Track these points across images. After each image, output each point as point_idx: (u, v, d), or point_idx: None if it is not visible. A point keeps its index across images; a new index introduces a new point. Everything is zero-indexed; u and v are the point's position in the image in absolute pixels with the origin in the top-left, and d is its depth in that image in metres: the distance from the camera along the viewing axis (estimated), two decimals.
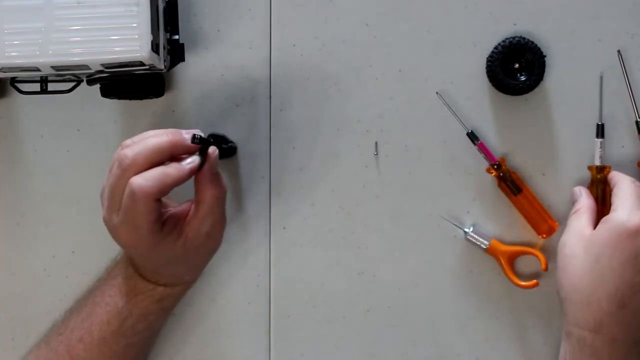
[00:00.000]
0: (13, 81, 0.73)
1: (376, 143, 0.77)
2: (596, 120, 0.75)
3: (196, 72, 0.77)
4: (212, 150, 0.67)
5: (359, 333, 0.78)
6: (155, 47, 0.69)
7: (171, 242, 0.68)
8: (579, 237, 0.70)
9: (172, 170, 0.65)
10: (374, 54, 0.77)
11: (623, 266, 0.67)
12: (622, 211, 0.68)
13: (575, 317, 0.69)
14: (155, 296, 0.72)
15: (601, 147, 0.74)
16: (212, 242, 0.71)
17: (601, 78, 0.75)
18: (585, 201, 0.73)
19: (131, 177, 0.64)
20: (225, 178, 0.77)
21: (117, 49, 0.67)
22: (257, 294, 0.78)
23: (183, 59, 0.74)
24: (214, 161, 0.67)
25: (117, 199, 0.65)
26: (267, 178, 0.77)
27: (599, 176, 0.74)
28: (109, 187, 0.66)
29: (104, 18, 0.67)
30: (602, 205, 0.74)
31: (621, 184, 0.71)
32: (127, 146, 0.65)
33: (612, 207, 0.70)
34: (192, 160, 0.66)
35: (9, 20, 0.67)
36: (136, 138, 0.66)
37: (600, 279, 0.67)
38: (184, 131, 0.67)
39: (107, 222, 0.67)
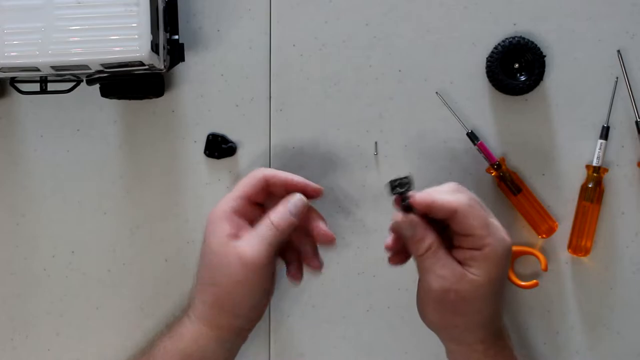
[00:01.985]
0: (13, 81, 0.73)
1: (376, 143, 0.77)
2: (596, 120, 0.75)
3: (196, 72, 0.77)
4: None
5: (359, 333, 0.78)
6: (155, 47, 0.69)
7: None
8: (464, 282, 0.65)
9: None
10: (374, 54, 0.77)
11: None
12: (493, 238, 0.65)
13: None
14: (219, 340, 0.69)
15: (600, 148, 0.75)
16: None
17: (616, 81, 0.75)
18: (431, 235, 0.66)
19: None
20: (225, 178, 0.78)
21: (116, 49, 0.67)
22: None
23: (183, 59, 0.74)
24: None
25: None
26: None
27: (595, 175, 0.74)
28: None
29: (103, 18, 0.67)
30: (598, 204, 0.75)
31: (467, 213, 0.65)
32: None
33: (472, 239, 0.65)
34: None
35: (9, 20, 0.67)
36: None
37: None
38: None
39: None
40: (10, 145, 0.78)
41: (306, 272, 0.72)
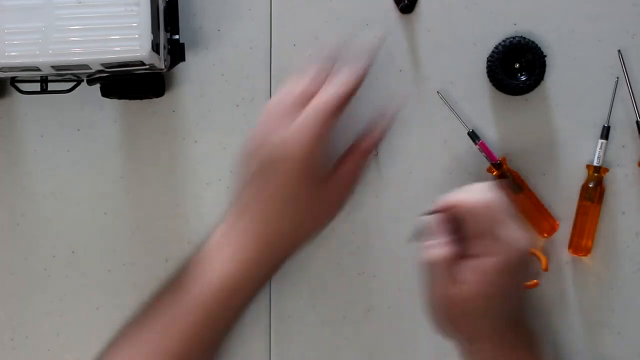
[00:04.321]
0: (13, 81, 0.73)
1: None
2: (596, 120, 0.75)
3: (196, 72, 0.77)
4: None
5: (359, 333, 0.78)
6: (155, 47, 0.69)
7: (324, 175, 0.69)
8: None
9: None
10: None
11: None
12: (488, 249, 0.62)
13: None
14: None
15: (601, 148, 0.75)
16: (332, 207, 0.71)
17: (616, 81, 0.75)
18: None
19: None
20: (225, 178, 0.77)
21: (117, 48, 0.67)
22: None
23: (183, 59, 0.74)
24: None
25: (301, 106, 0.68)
26: None
27: (595, 175, 0.74)
28: (301, 93, 0.68)
29: (104, 18, 0.67)
30: (598, 204, 0.75)
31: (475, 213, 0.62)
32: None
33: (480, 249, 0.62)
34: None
35: (9, 20, 0.67)
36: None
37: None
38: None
39: (274, 134, 0.67)
40: (10, 145, 0.78)
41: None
